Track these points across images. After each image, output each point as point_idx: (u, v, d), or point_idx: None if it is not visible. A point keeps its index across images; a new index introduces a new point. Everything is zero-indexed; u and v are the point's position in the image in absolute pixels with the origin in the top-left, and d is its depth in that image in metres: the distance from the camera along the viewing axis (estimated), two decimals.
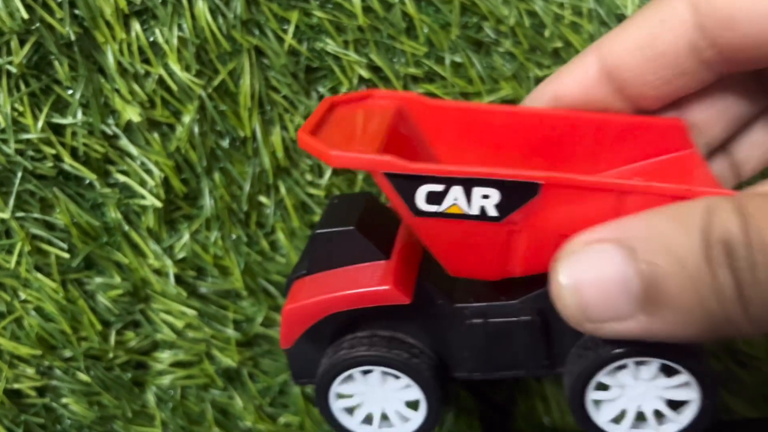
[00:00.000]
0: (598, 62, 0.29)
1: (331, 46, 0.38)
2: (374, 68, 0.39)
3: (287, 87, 0.38)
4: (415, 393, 0.29)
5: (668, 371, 0.27)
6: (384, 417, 0.30)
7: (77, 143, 0.35)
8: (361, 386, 0.29)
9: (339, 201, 0.34)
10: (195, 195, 0.38)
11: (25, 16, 0.33)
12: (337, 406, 0.30)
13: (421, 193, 0.25)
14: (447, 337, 0.29)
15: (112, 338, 0.38)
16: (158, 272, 0.38)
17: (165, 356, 0.40)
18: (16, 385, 0.37)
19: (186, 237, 0.38)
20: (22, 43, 0.33)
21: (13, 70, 0.33)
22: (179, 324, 0.39)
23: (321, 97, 0.39)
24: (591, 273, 0.23)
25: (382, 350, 0.29)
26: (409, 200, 0.25)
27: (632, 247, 0.22)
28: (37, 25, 0.33)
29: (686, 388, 0.28)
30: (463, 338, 0.29)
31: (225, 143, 0.38)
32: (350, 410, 0.30)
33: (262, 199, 0.39)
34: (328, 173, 0.40)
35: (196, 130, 0.37)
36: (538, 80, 0.40)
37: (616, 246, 0.23)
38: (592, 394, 0.28)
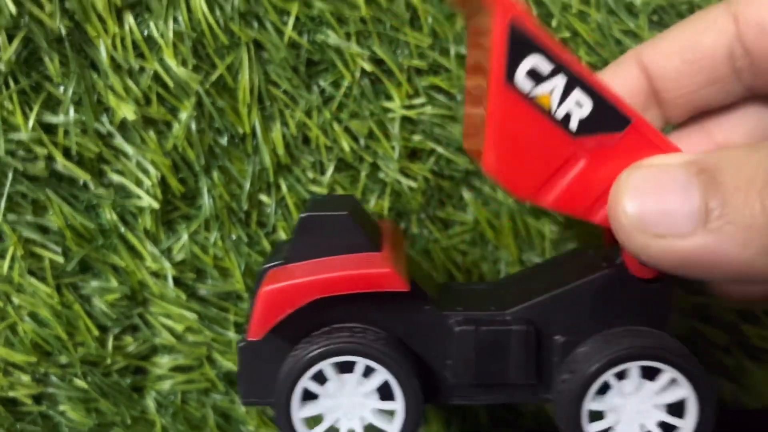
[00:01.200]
0: (637, 65, 0.30)
1: (332, 38, 0.37)
2: (377, 61, 0.37)
3: (287, 81, 0.37)
4: (393, 399, 0.28)
5: (651, 375, 0.27)
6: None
7: (70, 143, 0.34)
8: (331, 388, 0.27)
9: (322, 199, 0.33)
10: (193, 194, 0.37)
11: (14, 10, 0.31)
12: (299, 415, 0.28)
13: (528, 63, 0.24)
14: (427, 345, 0.28)
15: (110, 343, 0.37)
16: (156, 275, 0.37)
17: (164, 361, 0.39)
18: (11, 393, 0.36)
19: (185, 238, 0.37)
20: (10, 38, 0.32)
21: (2, 67, 0.32)
22: (179, 327, 0.38)
23: (322, 91, 0.37)
24: (654, 183, 0.23)
25: (360, 340, 0.27)
26: (513, 63, 0.24)
27: (698, 166, 0.23)
28: (26, 19, 0.32)
29: (676, 386, 0.27)
30: (448, 347, 0.28)
31: (224, 140, 0.37)
32: (314, 420, 0.28)
33: (263, 197, 0.38)
34: (330, 170, 0.38)
35: (194, 127, 0.36)
36: None
37: (684, 164, 0.23)
38: (588, 427, 0.27)
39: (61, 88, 0.33)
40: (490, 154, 0.25)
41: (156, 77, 0.34)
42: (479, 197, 0.40)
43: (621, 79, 0.31)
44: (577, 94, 0.24)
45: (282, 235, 0.39)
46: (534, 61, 0.24)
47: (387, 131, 0.38)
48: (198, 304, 0.38)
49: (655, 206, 0.23)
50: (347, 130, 0.38)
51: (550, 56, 0.24)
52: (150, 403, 0.39)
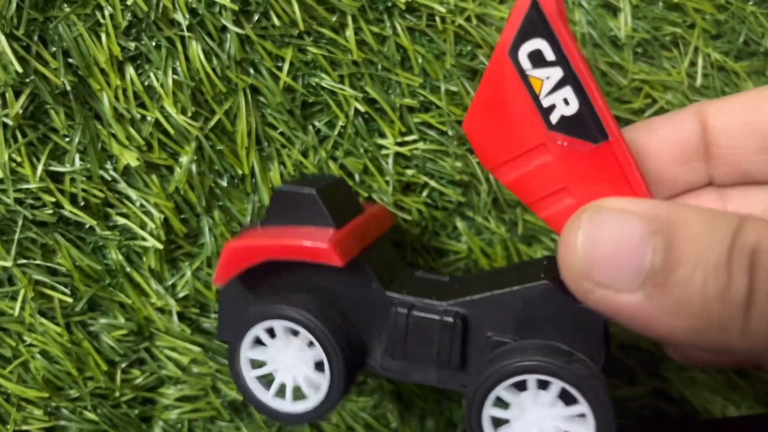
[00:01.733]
0: (696, 116, 0.30)
1: (326, 81, 0.38)
2: (370, 100, 0.39)
3: (284, 123, 0.38)
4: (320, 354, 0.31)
5: (567, 400, 0.28)
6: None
7: (76, 189, 0.35)
8: (278, 344, 0.31)
9: (311, 176, 0.36)
10: (195, 233, 0.38)
11: (19, 69, 0.33)
12: (248, 354, 0.32)
13: (534, 44, 0.24)
14: (370, 320, 0.31)
15: (118, 377, 0.39)
16: (161, 311, 0.39)
17: (171, 392, 0.40)
18: (24, 427, 0.38)
19: (188, 275, 0.39)
20: (17, 94, 0.33)
21: (10, 122, 0.33)
22: (184, 360, 0.39)
23: (317, 131, 0.39)
24: (610, 233, 0.23)
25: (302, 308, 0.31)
26: (520, 38, 0.24)
27: (658, 225, 0.22)
28: (32, 77, 0.33)
29: (582, 422, 0.28)
30: (385, 324, 0.31)
31: (223, 182, 0.38)
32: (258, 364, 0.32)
33: None
34: None
35: (194, 170, 0.37)
36: None
37: (644, 218, 0.23)
38: (489, 410, 0.28)
39: (67, 139, 0.35)
40: (473, 115, 0.27)
41: (157, 124, 0.36)
42: (472, 227, 0.41)
43: (678, 125, 0.30)
44: (568, 91, 0.24)
45: None
46: (540, 45, 0.24)
47: (381, 167, 0.40)
48: (202, 337, 0.40)
49: (606, 255, 0.23)
50: (343, 167, 0.39)
51: (557, 46, 0.24)
52: None
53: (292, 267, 0.31)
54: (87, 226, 0.37)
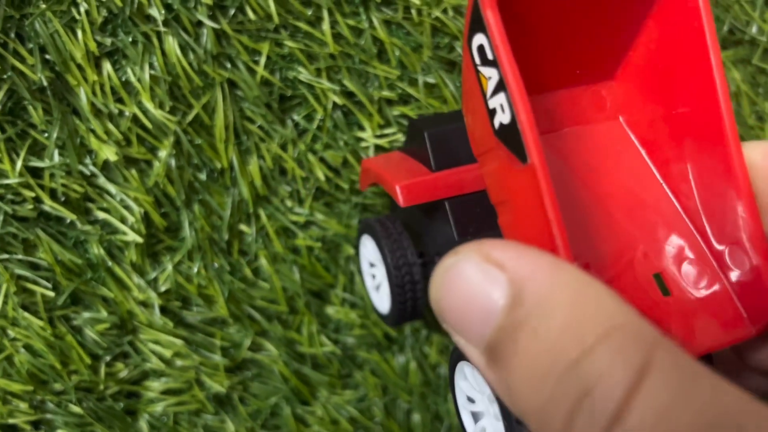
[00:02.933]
0: None
1: (303, 74, 0.38)
2: (348, 93, 0.39)
3: (262, 117, 0.38)
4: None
5: None
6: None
7: (56, 184, 0.36)
8: None
9: (432, 116, 0.35)
10: (176, 227, 0.39)
11: None
12: None
13: (479, 38, 0.22)
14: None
15: (102, 370, 0.39)
16: (144, 304, 0.39)
17: (156, 385, 0.40)
18: (10, 420, 0.38)
19: (169, 269, 0.39)
20: None
21: None
22: (167, 353, 0.40)
23: (296, 124, 0.39)
24: (462, 280, 0.20)
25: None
26: (470, 29, 0.22)
27: (515, 291, 0.19)
28: (9, 74, 0.34)
29: None
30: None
31: (203, 175, 0.38)
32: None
33: (243, 227, 0.40)
34: (309, 200, 0.40)
35: (174, 164, 0.37)
36: None
37: (506, 279, 0.19)
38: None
39: (46, 134, 0.35)
40: (463, 100, 0.25)
41: (135, 119, 0.36)
42: None
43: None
44: (503, 98, 0.21)
45: (263, 263, 0.40)
46: (483, 40, 0.22)
47: (361, 159, 0.40)
48: (185, 330, 0.40)
49: (455, 306, 0.20)
50: (323, 160, 0.40)
51: (492, 47, 0.21)
52: (143, 425, 0.41)
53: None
54: (68, 220, 0.37)
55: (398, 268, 0.32)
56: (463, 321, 0.20)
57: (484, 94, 0.23)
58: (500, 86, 0.21)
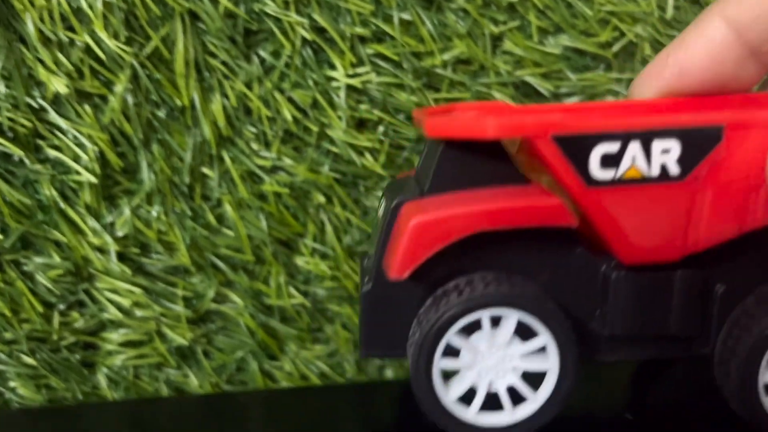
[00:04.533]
0: (725, 26, 0.26)
1: (270, 6, 0.36)
2: (318, 29, 0.37)
3: (225, 52, 0.36)
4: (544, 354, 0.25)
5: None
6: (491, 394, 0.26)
7: (2, 118, 0.33)
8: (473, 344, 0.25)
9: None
10: (134, 169, 0.37)
11: None
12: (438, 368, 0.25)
13: (596, 156, 0.22)
14: (582, 293, 0.26)
15: (56, 319, 0.37)
16: (100, 250, 0.37)
17: (114, 336, 0.38)
18: None
19: (127, 213, 0.37)
20: None
21: None
22: (126, 303, 0.38)
23: (262, 61, 0.37)
24: None
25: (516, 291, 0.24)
26: (582, 167, 0.22)
27: None
28: None
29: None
30: (604, 295, 0.26)
31: (162, 113, 0.36)
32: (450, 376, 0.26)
33: (206, 170, 0.38)
34: (276, 143, 0.38)
35: (130, 100, 0.35)
36: (494, 37, 0.38)
37: None
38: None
39: None
40: (623, 248, 0.24)
41: (88, 50, 0.34)
42: None
43: (709, 44, 0.26)
44: (658, 144, 0.23)
45: (227, 209, 0.38)
46: (600, 150, 0.22)
47: (332, 100, 0.38)
48: (144, 279, 0.38)
49: None
50: (291, 100, 0.37)
51: (611, 135, 0.22)
52: (101, 378, 0.39)
53: (470, 245, 0.25)
54: (16, 158, 0.35)
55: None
56: None
57: (646, 179, 0.23)
58: (648, 138, 0.23)
